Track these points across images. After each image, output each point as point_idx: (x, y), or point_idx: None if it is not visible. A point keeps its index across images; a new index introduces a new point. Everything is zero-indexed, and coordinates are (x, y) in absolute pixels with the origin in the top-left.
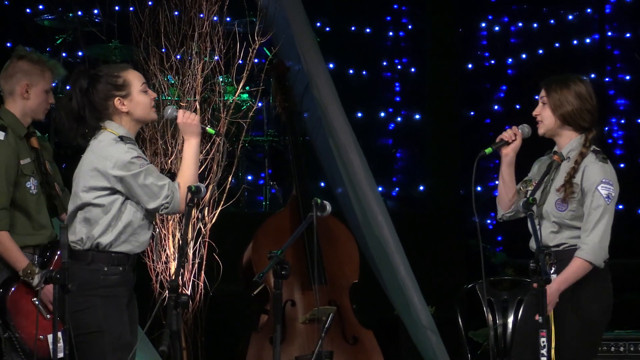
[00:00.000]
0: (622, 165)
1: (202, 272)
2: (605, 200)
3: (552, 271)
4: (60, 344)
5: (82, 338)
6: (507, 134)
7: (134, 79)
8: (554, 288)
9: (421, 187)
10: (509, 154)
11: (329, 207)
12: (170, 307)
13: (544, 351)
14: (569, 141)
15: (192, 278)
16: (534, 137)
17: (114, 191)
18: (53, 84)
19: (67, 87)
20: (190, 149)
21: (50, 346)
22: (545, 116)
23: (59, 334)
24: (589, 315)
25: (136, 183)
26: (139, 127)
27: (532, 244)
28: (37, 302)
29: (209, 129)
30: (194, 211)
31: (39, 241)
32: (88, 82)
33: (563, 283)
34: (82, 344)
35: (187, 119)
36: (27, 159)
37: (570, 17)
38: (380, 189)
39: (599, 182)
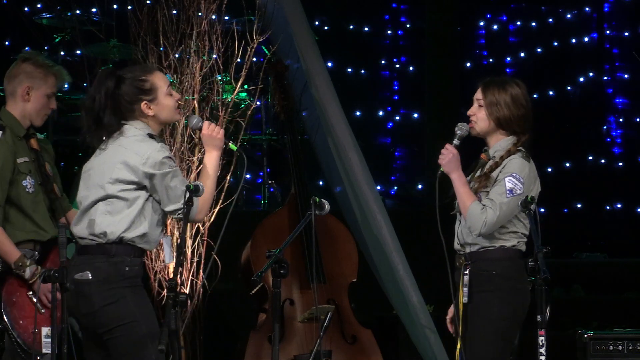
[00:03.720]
0: (620, 164)
1: (201, 270)
2: (507, 192)
3: (465, 272)
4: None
5: (116, 332)
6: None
7: (161, 82)
8: (455, 172)
9: (420, 186)
10: None
11: (327, 206)
12: (168, 306)
13: (542, 350)
14: (498, 141)
15: (190, 277)
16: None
17: (140, 187)
18: (66, 87)
19: (85, 85)
20: (211, 161)
21: (43, 340)
22: (480, 117)
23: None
24: (497, 315)
25: (162, 183)
26: (162, 128)
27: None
28: (31, 295)
29: (231, 145)
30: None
31: (38, 237)
32: (115, 84)
33: (458, 180)
34: (117, 338)
35: (212, 132)
36: (24, 157)
37: (568, 15)
38: (378, 187)
39: (510, 173)
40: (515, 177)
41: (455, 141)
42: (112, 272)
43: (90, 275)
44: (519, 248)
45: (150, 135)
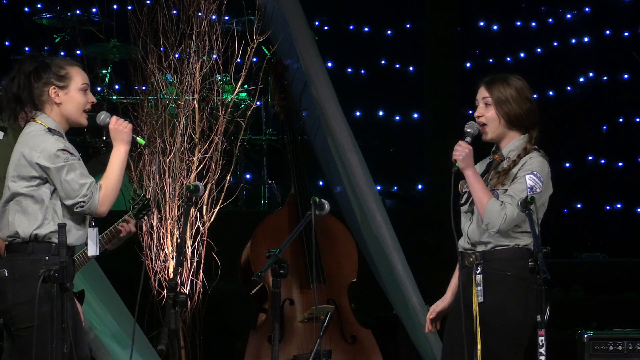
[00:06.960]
0: (620, 165)
1: (201, 270)
2: (528, 190)
3: (478, 271)
4: None
5: (25, 332)
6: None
7: (77, 76)
8: (470, 169)
9: (419, 186)
10: None
11: (327, 206)
12: (168, 306)
13: (542, 350)
14: (510, 141)
15: (190, 277)
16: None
17: (43, 181)
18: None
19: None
20: (119, 155)
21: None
22: (490, 117)
23: None
24: (512, 317)
25: (58, 177)
26: (68, 127)
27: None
28: None
29: (139, 139)
30: (192, 210)
31: None
32: (34, 67)
33: (473, 176)
34: (24, 337)
35: (120, 126)
36: None
37: (568, 15)
38: (378, 187)
39: (531, 171)
40: (536, 176)
41: (467, 139)
42: (29, 270)
43: (7, 272)
44: (532, 247)
45: (49, 130)
